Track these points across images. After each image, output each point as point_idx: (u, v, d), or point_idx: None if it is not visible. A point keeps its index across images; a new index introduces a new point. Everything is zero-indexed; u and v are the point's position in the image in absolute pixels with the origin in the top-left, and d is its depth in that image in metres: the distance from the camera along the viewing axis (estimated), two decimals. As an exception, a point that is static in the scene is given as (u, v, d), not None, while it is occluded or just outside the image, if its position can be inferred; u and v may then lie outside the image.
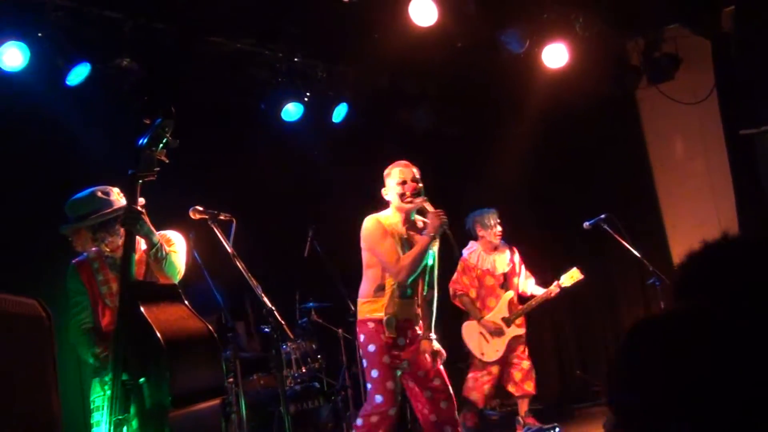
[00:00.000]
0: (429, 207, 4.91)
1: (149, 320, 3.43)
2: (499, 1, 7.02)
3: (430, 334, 5.03)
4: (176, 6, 6.26)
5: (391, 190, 5.04)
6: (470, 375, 7.02)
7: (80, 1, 5.91)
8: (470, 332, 6.98)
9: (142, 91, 6.09)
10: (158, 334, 3.38)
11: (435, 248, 5.02)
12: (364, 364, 4.99)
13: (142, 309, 3.46)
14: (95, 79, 6.04)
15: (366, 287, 5.07)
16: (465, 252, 6.96)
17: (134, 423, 3.47)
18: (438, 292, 5.18)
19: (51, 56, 5.85)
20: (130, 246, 3.72)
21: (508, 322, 6.93)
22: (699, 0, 7.59)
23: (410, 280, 4.94)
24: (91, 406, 4.04)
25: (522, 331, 7.01)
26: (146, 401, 3.46)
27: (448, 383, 5.03)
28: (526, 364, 7.00)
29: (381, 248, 4.92)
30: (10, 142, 5.92)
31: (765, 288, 1.21)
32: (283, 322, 4.19)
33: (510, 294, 7.03)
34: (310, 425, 6.73)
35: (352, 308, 6.41)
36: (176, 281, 4.00)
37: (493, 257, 7.03)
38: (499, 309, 6.97)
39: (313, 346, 6.95)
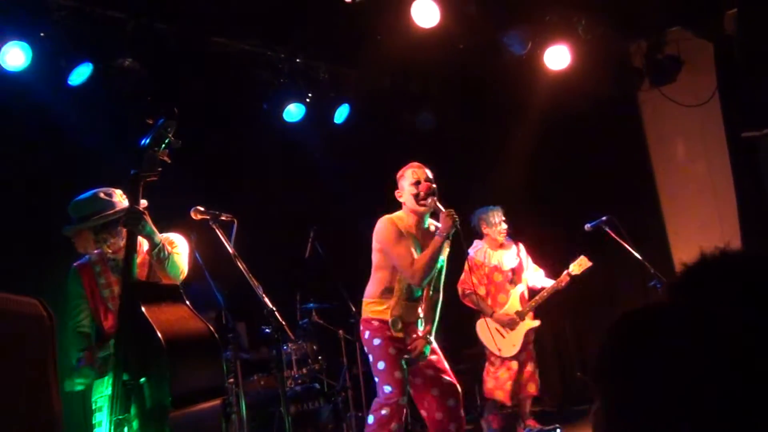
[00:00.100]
0: (440, 207, 4.88)
1: (150, 320, 3.43)
2: (502, 2, 7.03)
3: (429, 337, 5.02)
4: (179, 6, 6.27)
5: (405, 192, 5.01)
6: (489, 375, 6.93)
7: (83, 1, 5.92)
8: (484, 329, 6.88)
9: (145, 91, 6.09)
10: (159, 335, 3.39)
11: (446, 250, 5.00)
12: (370, 359, 4.96)
13: (143, 309, 3.47)
14: (97, 79, 6.04)
15: (373, 288, 5.04)
16: (471, 251, 6.91)
17: (135, 423, 3.47)
18: (443, 295, 5.17)
19: (53, 56, 5.86)
20: (131, 246, 3.73)
21: (521, 315, 6.89)
22: (701, 2, 7.58)
23: (425, 282, 4.92)
24: (93, 407, 4.04)
25: (537, 323, 6.95)
26: (147, 401, 3.46)
27: (456, 382, 5.02)
28: (530, 365, 6.98)
29: (396, 250, 4.88)
30: (12, 142, 5.92)
31: (765, 289, 1.21)
32: (284, 323, 4.19)
33: (520, 288, 6.98)
34: (311, 426, 6.72)
35: (353, 309, 6.42)
36: (179, 282, 4.00)
37: (499, 253, 6.99)
38: (511, 304, 6.91)
39: (314, 347, 6.96)
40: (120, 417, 3.46)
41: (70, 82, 5.94)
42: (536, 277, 7.06)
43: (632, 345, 1.21)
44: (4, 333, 1.97)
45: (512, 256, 7.01)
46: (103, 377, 3.92)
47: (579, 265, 6.82)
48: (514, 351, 6.87)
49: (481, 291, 6.92)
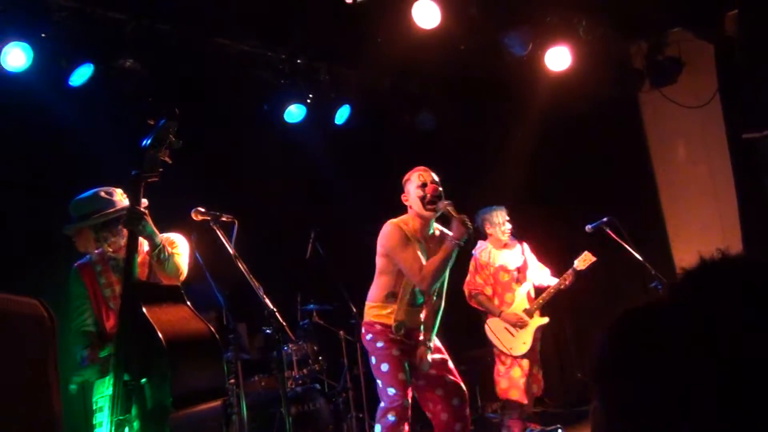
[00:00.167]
0: (453, 212, 4.79)
1: (151, 321, 3.44)
2: (503, 3, 7.03)
3: (430, 343, 5.00)
4: (180, 7, 6.27)
5: (411, 195, 4.96)
6: (501, 376, 6.87)
7: (83, 2, 5.92)
8: (494, 328, 6.85)
9: (146, 92, 6.09)
10: (160, 335, 3.39)
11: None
12: (372, 361, 4.91)
13: (144, 309, 3.47)
14: (98, 79, 6.05)
15: (376, 292, 5.00)
16: (475, 251, 6.89)
17: (135, 424, 3.47)
18: (445, 302, 5.15)
19: (54, 57, 5.86)
20: (132, 247, 3.73)
21: (530, 313, 6.87)
22: (702, 4, 7.58)
23: (434, 288, 4.89)
24: (94, 407, 4.04)
25: (546, 320, 6.90)
26: (148, 402, 3.46)
27: (460, 381, 5.01)
28: (535, 366, 6.96)
29: (403, 255, 4.82)
30: (12, 143, 5.93)
31: (765, 290, 1.21)
32: (284, 324, 4.19)
33: (526, 286, 6.96)
34: (311, 427, 6.72)
35: (354, 310, 6.42)
36: (179, 282, 4.00)
37: (504, 253, 6.96)
38: (518, 303, 6.87)
39: (315, 347, 6.95)
40: (121, 417, 3.46)
41: (71, 83, 5.95)
42: (542, 275, 7.04)
43: (632, 344, 1.21)
44: (4, 333, 1.97)
45: (517, 255, 6.99)
46: (104, 377, 3.92)
47: (583, 261, 6.79)
48: (525, 349, 6.82)
49: (488, 291, 6.89)
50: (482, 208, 7.05)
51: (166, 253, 3.93)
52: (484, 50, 7.50)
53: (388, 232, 4.90)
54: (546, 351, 8.61)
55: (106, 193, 4.10)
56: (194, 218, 4.39)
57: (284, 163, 7.66)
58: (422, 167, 5.06)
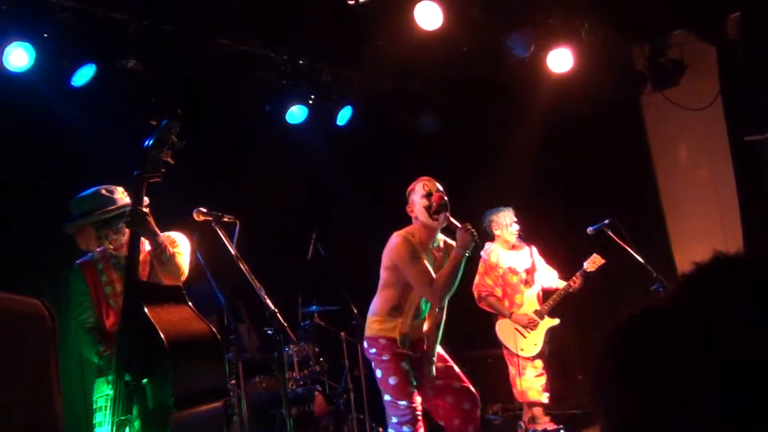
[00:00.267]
0: (455, 222, 4.74)
1: (153, 321, 3.44)
2: (505, 5, 7.02)
3: (432, 358, 4.96)
4: (182, 8, 6.27)
5: (417, 205, 4.88)
6: (517, 378, 6.82)
7: (86, 2, 5.92)
8: (504, 330, 6.82)
9: (148, 92, 6.10)
10: (162, 335, 3.39)
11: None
12: (379, 375, 4.82)
13: (145, 310, 3.47)
14: (100, 80, 6.05)
15: (380, 306, 4.93)
16: (483, 253, 6.83)
17: (137, 424, 3.48)
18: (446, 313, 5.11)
19: (56, 57, 5.86)
20: (135, 247, 3.73)
21: (540, 314, 6.83)
22: (704, 6, 7.58)
23: (446, 300, 4.85)
24: (94, 407, 4.04)
25: (556, 321, 6.88)
26: (149, 402, 3.47)
27: (469, 384, 4.98)
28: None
29: (413, 270, 4.74)
30: (15, 142, 5.93)
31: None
32: (285, 325, 4.19)
33: (535, 288, 6.92)
34: (312, 428, 6.72)
35: (355, 311, 6.42)
36: (180, 282, 4.01)
37: (513, 254, 6.92)
38: (527, 304, 6.86)
39: (316, 348, 6.95)
40: (122, 418, 3.47)
41: (73, 83, 5.95)
42: (550, 278, 7.02)
43: (632, 346, 1.21)
44: (5, 333, 1.98)
45: (525, 257, 6.96)
46: (105, 375, 3.92)
47: (592, 263, 6.78)
48: (537, 350, 6.80)
49: (498, 292, 6.86)
50: (489, 209, 7.03)
51: (168, 253, 3.93)
52: (486, 52, 7.50)
53: (395, 246, 4.81)
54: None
55: (107, 190, 4.11)
56: (196, 218, 4.38)
57: (286, 164, 7.66)
58: (426, 177, 4.99)
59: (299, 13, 6.66)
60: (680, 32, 8.02)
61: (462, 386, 4.95)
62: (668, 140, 8.80)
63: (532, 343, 6.81)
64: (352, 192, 8.11)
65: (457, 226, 4.70)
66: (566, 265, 7.20)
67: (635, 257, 6.36)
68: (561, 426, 6.90)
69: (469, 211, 7.17)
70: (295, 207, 7.68)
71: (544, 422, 6.83)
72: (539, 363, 6.81)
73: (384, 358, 4.80)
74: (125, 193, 4.13)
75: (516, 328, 6.81)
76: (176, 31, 6.48)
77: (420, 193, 4.88)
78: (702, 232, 8.15)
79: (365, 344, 4.97)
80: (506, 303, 6.86)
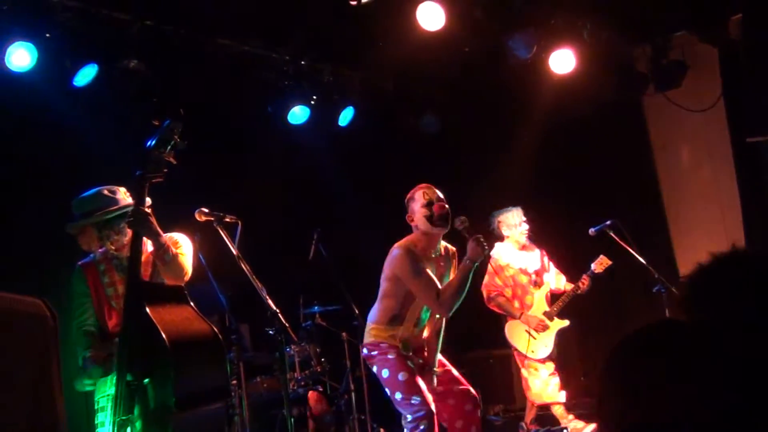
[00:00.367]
0: (468, 232, 4.64)
1: (155, 321, 3.43)
2: (507, 6, 7.02)
3: (435, 366, 4.93)
4: (184, 8, 6.28)
5: (417, 214, 4.80)
6: (530, 380, 6.78)
7: (88, 2, 5.93)
8: (514, 331, 6.79)
9: (150, 92, 6.10)
10: (163, 335, 3.39)
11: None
12: (385, 375, 4.76)
13: (147, 310, 3.47)
14: (102, 80, 6.05)
15: (379, 315, 4.88)
16: (493, 253, 6.78)
17: (138, 424, 3.47)
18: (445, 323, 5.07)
19: (58, 57, 5.87)
20: (137, 247, 3.73)
21: (549, 316, 6.80)
22: (707, 7, 7.58)
23: (452, 312, 4.78)
24: (96, 407, 4.04)
25: (566, 323, 6.85)
26: (150, 402, 3.46)
27: (469, 386, 4.96)
28: None
29: (417, 283, 4.67)
30: (17, 142, 5.93)
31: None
32: (287, 325, 4.18)
33: (545, 289, 6.91)
34: (313, 428, 6.72)
35: (356, 311, 6.41)
36: (183, 283, 4.00)
37: (523, 255, 6.90)
38: (538, 305, 6.84)
39: (317, 349, 6.95)
40: (123, 418, 3.46)
41: (75, 83, 5.95)
42: (559, 280, 7.00)
43: (635, 361, 1.21)
44: (6, 333, 1.97)
45: (536, 258, 6.94)
46: (107, 376, 3.92)
47: (600, 264, 6.75)
48: (548, 352, 6.77)
49: (507, 293, 6.82)
50: (497, 210, 7.00)
51: (171, 254, 3.92)
52: (488, 53, 7.50)
53: (398, 258, 4.74)
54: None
55: (109, 191, 4.11)
56: (198, 219, 4.38)
57: (288, 165, 7.66)
58: (425, 185, 4.90)
59: (301, 13, 6.67)
60: (682, 33, 8.02)
61: (462, 389, 4.92)
62: (670, 141, 8.79)
63: (542, 344, 6.78)
64: (353, 192, 8.11)
65: (468, 237, 4.61)
66: (568, 266, 7.20)
67: (637, 258, 6.36)
68: (564, 427, 6.85)
69: (471, 212, 7.15)
70: (296, 207, 7.69)
71: (568, 421, 6.78)
72: (551, 364, 6.79)
73: (390, 356, 4.75)
74: (127, 194, 4.12)
75: (526, 330, 6.77)
76: (178, 31, 6.48)
77: (420, 202, 4.80)
78: (704, 233, 8.15)
79: (365, 351, 4.91)
80: (516, 304, 6.82)
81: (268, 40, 7.10)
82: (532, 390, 6.79)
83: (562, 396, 6.78)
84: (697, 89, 8.15)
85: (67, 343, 4.14)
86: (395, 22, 6.71)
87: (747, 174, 7.87)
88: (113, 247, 4.11)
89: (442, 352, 5.07)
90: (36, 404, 2.00)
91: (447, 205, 4.80)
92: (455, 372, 5.03)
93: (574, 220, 7.98)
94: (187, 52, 6.58)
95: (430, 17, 6.58)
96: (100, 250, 4.17)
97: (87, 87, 6.00)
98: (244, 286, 4.28)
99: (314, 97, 7.47)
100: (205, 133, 6.16)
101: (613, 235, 6.45)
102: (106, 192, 4.10)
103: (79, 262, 4.25)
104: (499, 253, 6.87)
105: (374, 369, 4.89)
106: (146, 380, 3.48)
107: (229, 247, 4.27)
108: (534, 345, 6.75)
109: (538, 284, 6.89)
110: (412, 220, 4.85)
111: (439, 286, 4.70)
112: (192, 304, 3.75)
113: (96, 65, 5.98)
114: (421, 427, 4.59)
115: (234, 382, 5.86)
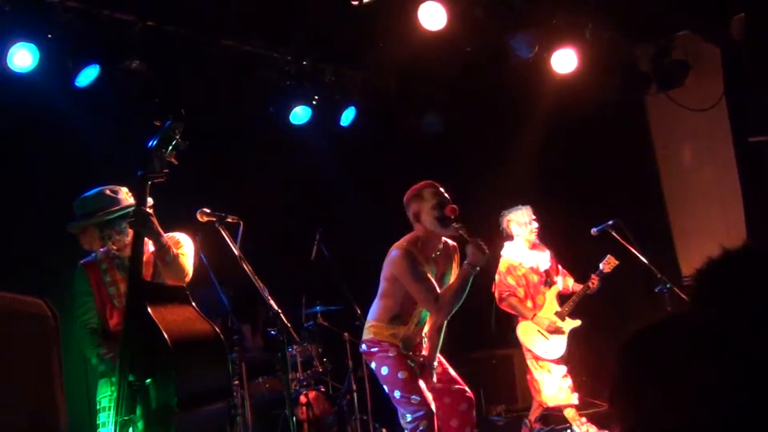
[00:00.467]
0: (467, 235, 4.51)
1: (156, 321, 3.43)
2: (509, 6, 7.01)
3: (434, 364, 4.90)
4: (186, 8, 6.28)
5: (426, 214, 4.64)
6: (543, 382, 6.73)
7: (90, 3, 5.93)
8: (527, 332, 6.74)
9: (152, 93, 6.10)
10: (165, 336, 3.39)
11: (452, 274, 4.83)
12: (385, 372, 4.72)
13: (149, 310, 3.47)
14: (104, 80, 6.06)
15: (379, 313, 4.83)
16: (504, 252, 6.78)
17: (140, 424, 3.47)
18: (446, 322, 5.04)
19: (60, 57, 5.88)
20: (138, 247, 3.73)
21: (561, 316, 6.77)
22: (709, 7, 7.57)
23: (450, 315, 4.76)
24: (97, 407, 4.04)
25: (578, 323, 6.82)
26: (152, 402, 3.46)
27: (465, 386, 4.94)
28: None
29: (418, 287, 4.59)
30: (19, 143, 5.94)
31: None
32: (289, 325, 4.18)
33: (556, 288, 6.88)
34: (315, 429, 6.72)
35: (359, 312, 6.41)
36: (184, 283, 4.00)
37: (534, 254, 6.87)
38: (549, 305, 6.81)
39: (319, 349, 6.95)
40: (125, 418, 3.46)
41: (77, 84, 5.96)
42: (567, 281, 6.99)
43: (643, 363, 1.21)
44: (8, 333, 1.98)
45: (546, 257, 6.92)
46: (107, 377, 3.92)
47: (608, 264, 6.72)
48: (561, 352, 6.74)
49: (520, 293, 6.78)
50: (506, 209, 6.98)
51: (172, 254, 3.92)
52: (490, 52, 7.49)
53: (397, 260, 4.64)
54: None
55: (111, 191, 4.11)
56: (199, 219, 4.38)
57: (289, 165, 7.66)
58: (429, 182, 4.77)
59: (302, 13, 6.67)
60: (684, 33, 8.02)
61: (458, 388, 4.90)
62: (672, 141, 8.79)
63: (556, 345, 6.75)
64: (355, 192, 8.11)
65: (468, 240, 4.50)
66: (569, 266, 7.19)
67: (639, 258, 6.35)
68: (568, 427, 6.82)
69: (472, 212, 7.16)
70: (298, 207, 7.69)
71: (581, 424, 6.76)
72: (563, 366, 6.76)
73: (390, 354, 4.71)
74: (129, 194, 4.13)
75: (538, 330, 6.74)
76: (180, 31, 6.48)
77: (430, 203, 4.64)
78: (706, 233, 8.14)
79: (364, 347, 4.86)
80: (529, 303, 6.79)
81: (269, 41, 7.10)
82: (543, 392, 6.74)
83: (574, 398, 6.76)
84: (699, 89, 8.15)
85: (68, 343, 4.15)
86: (397, 22, 6.71)
87: (749, 173, 7.86)
88: (115, 247, 4.11)
89: (441, 352, 5.03)
90: (37, 404, 2.00)
91: (456, 207, 4.66)
92: (452, 371, 5.01)
93: (575, 219, 7.97)
94: (188, 52, 6.59)
95: (432, 17, 6.58)
96: (101, 250, 4.18)
97: (89, 87, 6.01)
98: (246, 287, 4.28)
99: (316, 97, 7.47)
100: (206, 133, 6.16)
101: (615, 234, 6.44)
102: (108, 192, 4.11)
103: (81, 261, 4.26)
104: (510, 252, 6.84)
105: (373, 365, 4.85)
106: (148, 380, 3.47)
107: (230, 248, 4.27)
108: (547, 345, 6.73)
109: (549, 284, 6.87)
110: (418, 219, 4.72)
111: (438, 290, 4.64)
112: (194, 304, 3.75)
113: (98, 66, 5.99)
114: (421, 428, 4.57)
115: (236, 382, 5.86)
